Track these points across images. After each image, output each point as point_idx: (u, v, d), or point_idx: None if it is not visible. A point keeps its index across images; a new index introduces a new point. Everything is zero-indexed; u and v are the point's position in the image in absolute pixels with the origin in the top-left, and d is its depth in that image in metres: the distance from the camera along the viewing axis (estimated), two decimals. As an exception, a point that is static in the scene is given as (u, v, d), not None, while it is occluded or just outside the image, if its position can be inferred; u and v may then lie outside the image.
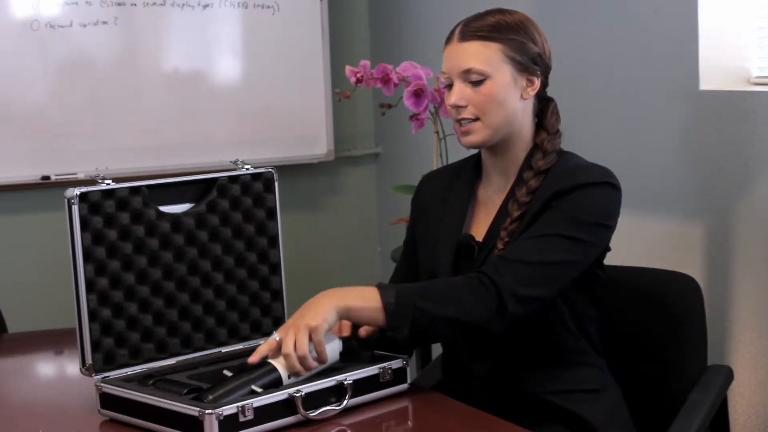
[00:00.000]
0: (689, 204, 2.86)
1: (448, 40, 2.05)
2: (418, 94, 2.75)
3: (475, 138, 2.03)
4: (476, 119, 2.02)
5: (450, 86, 2.04)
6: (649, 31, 2.95)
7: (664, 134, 2.91)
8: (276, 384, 1.85)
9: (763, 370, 2.71)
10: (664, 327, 2.22)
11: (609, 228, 2.01)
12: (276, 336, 1.88)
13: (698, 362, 2.21)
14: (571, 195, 1.97)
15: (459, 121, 2.03)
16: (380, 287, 1.91)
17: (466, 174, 2.14)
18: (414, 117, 2.79)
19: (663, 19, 2.90)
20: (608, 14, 3.07)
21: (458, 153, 2.30)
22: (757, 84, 2.82)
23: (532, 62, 2.02)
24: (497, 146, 2.05)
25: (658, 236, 2.95)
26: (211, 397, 1.80)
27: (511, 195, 2.04)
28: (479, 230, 2.08)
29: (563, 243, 1.95)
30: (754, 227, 2.70)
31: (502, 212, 2.04)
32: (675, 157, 2.89)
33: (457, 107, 2.02)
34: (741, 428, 2.76)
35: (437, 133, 2.90)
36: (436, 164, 2.91)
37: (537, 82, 2.03)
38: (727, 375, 2.22)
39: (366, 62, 2.82)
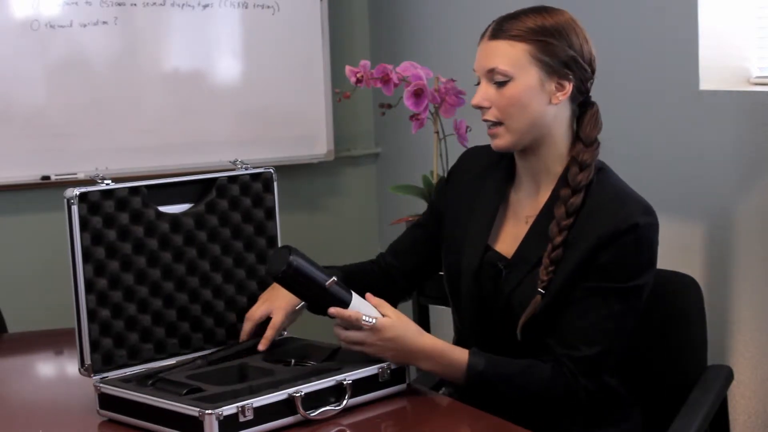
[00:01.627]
0: (689, 204, 2.86)
1: (482, 36, 2.00)
2: (418, 94, 2.75)
3: (500, 142, 1.99)
4: (499, 123, 1.97)
5: (479, 84, 2.00)
6: (649, 31, 2.94)
7: (664, 134, 2.91)
8: (343, 299, 1.94)
9: (763, 370, 2.70)
10: (664, 327, 2.21)
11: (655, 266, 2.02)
12: (374, 321, 1.91)
13: (698, 362, 2.20)
14: (619, 243, 1.92)
15: (485, 122, 2.00)
16: (471, 357, 1.94)
17: (500, 172, 2.09)
18: (414, 117, 2.79)
19: (663, 19, 2.89)
20: (608, 14, 3.07)
21: (458, 153, 2.29)
22: (757, 84, 2.82)
23: (563, 66, 1.95)
24: (526, 150, 2.00)
25: (659, 236, 2.94)
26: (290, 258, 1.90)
27: (546, 212, 1.98)
28: (506, 242, 2.03)
29: (628, 317, 1.96)
30: (754, 227, 2.69)
31: (538, 230, 1.98)
32: (675, 157, 2.88)
33: (480, 108, 1.98)
34: (741, 428, 2.76)
35: (437, 133, 2.89)
36: (435, 164, 2.91)
37: (569, 87, 1.96)
38: (727, 375, 2.22)
39: (366, 62, 2.82)
